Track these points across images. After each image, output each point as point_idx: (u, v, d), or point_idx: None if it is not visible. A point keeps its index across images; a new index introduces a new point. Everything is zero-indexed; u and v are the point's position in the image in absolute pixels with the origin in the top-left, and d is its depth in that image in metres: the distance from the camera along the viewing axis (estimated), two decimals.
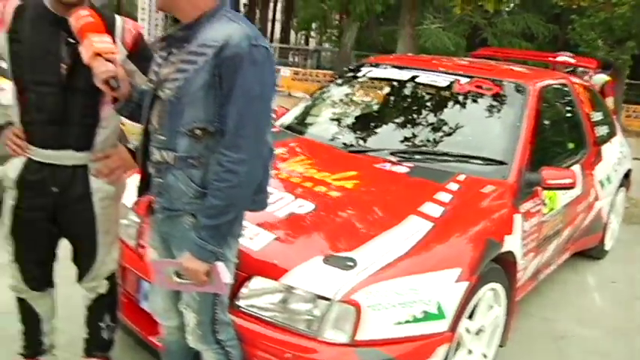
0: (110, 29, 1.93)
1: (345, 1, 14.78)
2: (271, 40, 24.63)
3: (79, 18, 1.78)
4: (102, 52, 1.75)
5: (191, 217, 1.70)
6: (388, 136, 3.09)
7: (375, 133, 3.21)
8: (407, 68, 3.49)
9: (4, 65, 2.04)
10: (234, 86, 1.57)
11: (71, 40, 1.91)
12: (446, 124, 3.08)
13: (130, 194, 2.43)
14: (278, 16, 28.99)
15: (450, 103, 3.21)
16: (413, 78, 3.37)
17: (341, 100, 3.59)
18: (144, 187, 1.87)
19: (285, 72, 16.83)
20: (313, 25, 22.43)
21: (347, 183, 2.54)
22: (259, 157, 1.65)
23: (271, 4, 25.66)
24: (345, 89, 3.68)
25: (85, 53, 1.76)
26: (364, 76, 3.64)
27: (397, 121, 3.21)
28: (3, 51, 1.97)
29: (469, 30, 17.31)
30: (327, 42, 24.65)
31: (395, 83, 3.48)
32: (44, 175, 2.02)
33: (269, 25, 27.28)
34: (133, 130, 2.21)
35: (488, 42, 17.40)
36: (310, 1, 19.30)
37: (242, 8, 20.94)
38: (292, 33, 28.88)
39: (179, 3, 1.65)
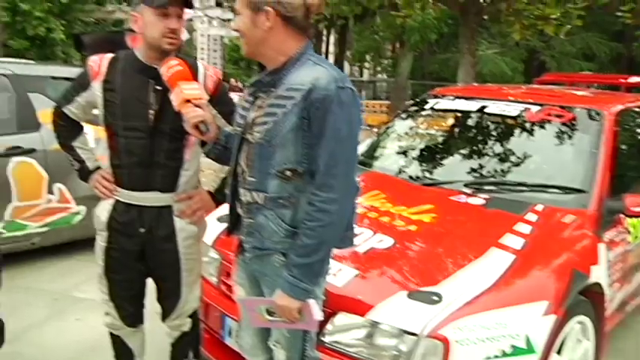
0: (195, 76, 2.06)
1: (399, 31, 14.92)
2: None
3: (170, 67, 1.92)
4: (191, 98, 1.86)
5: (281, 256, 1.75)
6: (461, 168, 3.08)
7: (447, 165, 3.21)
8: (474, 99, 3.49)
9: (96, 112, 2.20)
10: (323, 128, 1.63)
11: (158, 87, 2.06)
12: (519, 153, 3.05)
13: (210, 233, 2.53)
14: (331, 49, 29.43)
15: (522, 133, 3.19)
16: (482, 108, 3.37)
17: (409, 133, 3.62)
18: (231, 227, 1.94)
19: None
20: (367, 57, 22.70)
21: (424, 216, 2.55)
22: (349, 196, 1.70)
23: (324, 38, 26.13)
24: (413, 122, 3.71)
25: (176, 100, 1.88)
26: (431, 108, 3.66)
27: (469, 152, 3.21)
28: (98, 100, 2.13)
29: (526, 54, 17.07)
30: (381, 72, 24.84)
31: (463, 114, 3.48)
32: (132, 217, 2.15)
33: None
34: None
35: (547, 65, 17.10)
36: (364, 33, 19.58)
37: None
38: (346, 65, 29.27)
39: (265, 50, 1.74)
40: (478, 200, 2.72)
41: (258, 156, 1.74)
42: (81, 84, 2.16)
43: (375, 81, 20.73)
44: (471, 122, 3.43)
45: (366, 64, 27.03)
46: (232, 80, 19.04)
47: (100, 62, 2.12)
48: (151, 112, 2.07)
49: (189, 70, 1.94)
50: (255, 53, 1.77)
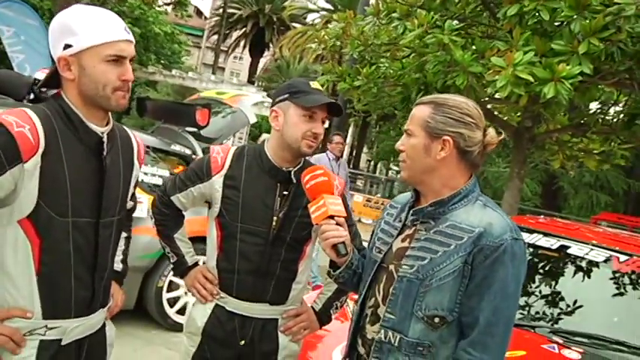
0: None
1: None
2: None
3: (316, 176, 1.76)
4: (335, 214, 1.70)
5: None
6: (547, 311, 2.89)
7: (532, 306, 3.01)
8: (553, 235, 3.34)
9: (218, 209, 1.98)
10: (490, 279, 1.49)
11: (285, 192, 1.92)
12: (611, 306, 2.87)
13: None
14: (349, 140, 29.88)
15: (612, 282, 3.02)
16: (562, 248, 3.21)
17: None
18: None
19: (358, 198, 17.04)
20: (391, 158, 23.01)
21: None
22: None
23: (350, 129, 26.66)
24: None
25: (317, 213, 1.71)
26: None
27: (552, 294, 3.02)
28: (215, 195, 1.97)
29: (545, 177, 17.20)
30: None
31: (542, 251, 3.32)
32: (233, 326, 1.96)
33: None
34: None
35: (564, 190, 17.20)
36: (389, 133, 19.85)
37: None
38: (363, 157, 29.60)
39: (430, 180, 1.61)
40: (573, 354, 2.50)
41: (404, 293, 1.57)
42: (198, 175, 2.00)
43: (393, 180, 21.01)
44: (552, 262, 3.27)
45: (392, 165, 27.38)
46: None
47: (224, 155, 1.99)
48: (275, 218, 1.92)
49: (332, 181, 1.80)
50: (417, 180, 1.65)
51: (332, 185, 1.78)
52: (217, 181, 1.96)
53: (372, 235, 1.81)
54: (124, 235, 1.94)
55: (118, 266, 1.89)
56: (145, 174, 4.23)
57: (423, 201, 1.66)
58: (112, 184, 1.64)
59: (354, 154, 28.84)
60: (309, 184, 1.76)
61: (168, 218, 2.09)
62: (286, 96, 1.92)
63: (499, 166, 17.13)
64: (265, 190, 1.94)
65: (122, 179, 1.71)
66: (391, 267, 1.63)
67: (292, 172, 1.95)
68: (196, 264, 2.10)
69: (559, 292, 3.04)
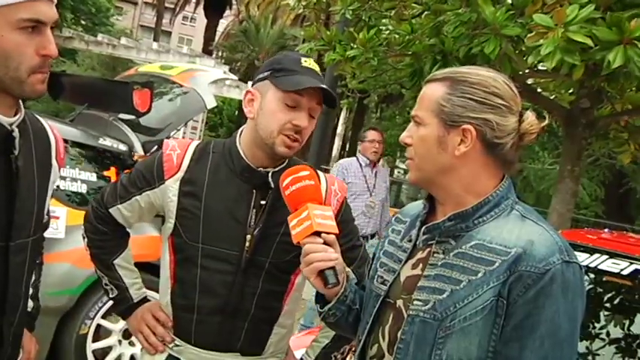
0: None
1: None
2: (328, 162, 25.26)
3: (299, 179, 1.74)
4: (323, 231, 1.68)
5: None
6: None
7: (593, 354, 3.04)
8: (622, 257, 3.35)
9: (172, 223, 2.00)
10: (535, 320, 1.47)
11: (263, 202, 1.93)
12: None
13: None
14: (339, 129, 29.89)
15: None
16: (637, 273, 3.22)
17: None
18: None
19: None
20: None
21: None
22: None
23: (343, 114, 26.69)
24: None
25: (299, 229, 1.69)
26: None
27: (626, 339, 3.06)
28: (168, 205, 1.97)
29: (610, 177, 17.35)
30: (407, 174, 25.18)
31: (608, 278, 3.34)
32: None
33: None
34: None
35: (638, 195, 17.31)
36: (395, 119, 19.75)
37: None
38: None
39: (448, 182, 1.61)
40: None
41: (417, 338, 1.57)
42: (146, 178, 2.01)
43: (402, 183, 20.69)
44: (623, 292, 3.31)
45: (399, 163, 27.49)
46: None
47: (182, 152, 1.99)
48: (248, 236, 1.92)
49: (320, 186, 1.80)
50: (431, 183, 1.65)
51: (320, 191, 1.78)
52: (171, 187, 1.97)
53: (372, 260, 1.82)
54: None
55: (28, 304, 1.89)
56: (63, 178, 4.20)
57: (439, 213, 1.66)
58: (25, 193, 1.64)
59: (346, 148, 28.95)
60: (289, 189, 1.74)
61: (106, 238, 2.10)
62: (267, 74, 1.94)
63: (544, 162, 17.23)
64: (236, 198, 1.95)
65: (37, 187, 1.71)
66: (399, 303, 1.63)
67: (270, 174, 1.95)
68: (145, 300, 2.11)
69: (635, 336, 3.06)
